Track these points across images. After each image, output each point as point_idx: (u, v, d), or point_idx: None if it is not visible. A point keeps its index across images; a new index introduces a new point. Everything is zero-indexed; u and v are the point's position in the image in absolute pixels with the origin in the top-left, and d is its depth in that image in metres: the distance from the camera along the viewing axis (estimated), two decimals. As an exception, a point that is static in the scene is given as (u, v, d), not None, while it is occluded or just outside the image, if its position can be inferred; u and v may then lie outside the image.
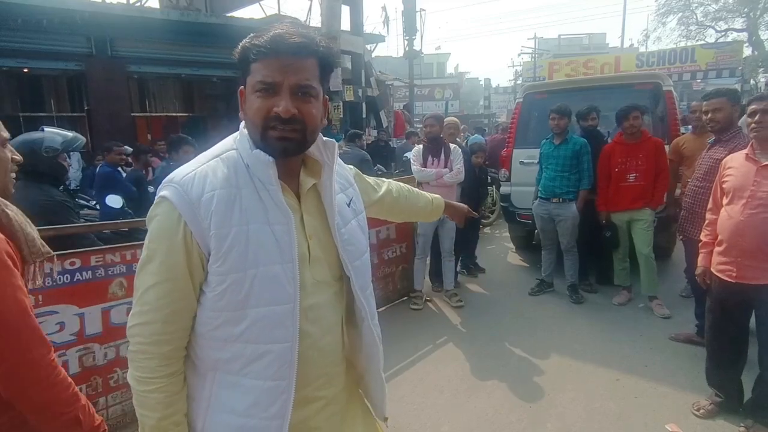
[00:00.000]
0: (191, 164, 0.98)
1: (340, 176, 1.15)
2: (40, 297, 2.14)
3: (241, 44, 0.95)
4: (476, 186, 5.06)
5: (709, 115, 3.07)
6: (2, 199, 1.13)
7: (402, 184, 1.53)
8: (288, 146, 0.94)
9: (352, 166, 1.30)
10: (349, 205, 1.13)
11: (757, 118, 2.30)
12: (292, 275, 0.95)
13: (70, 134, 2.64)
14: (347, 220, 1.09)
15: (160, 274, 0.91)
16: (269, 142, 0.93)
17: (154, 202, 0.95)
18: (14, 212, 1.13)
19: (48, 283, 2.15)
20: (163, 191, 0.94)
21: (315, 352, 1.01)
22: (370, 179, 1.41)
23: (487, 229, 7.29)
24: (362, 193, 1.24)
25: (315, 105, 0.96)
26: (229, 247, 0.90)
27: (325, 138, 1.04)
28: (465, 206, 1.77)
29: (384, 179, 1.49)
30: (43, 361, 1.00)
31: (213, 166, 0.96)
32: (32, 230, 1.16)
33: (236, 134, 1.04)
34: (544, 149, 4.43)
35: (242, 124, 1.01)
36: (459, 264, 5.04)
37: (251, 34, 0.94)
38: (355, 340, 1.13)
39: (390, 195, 1.44)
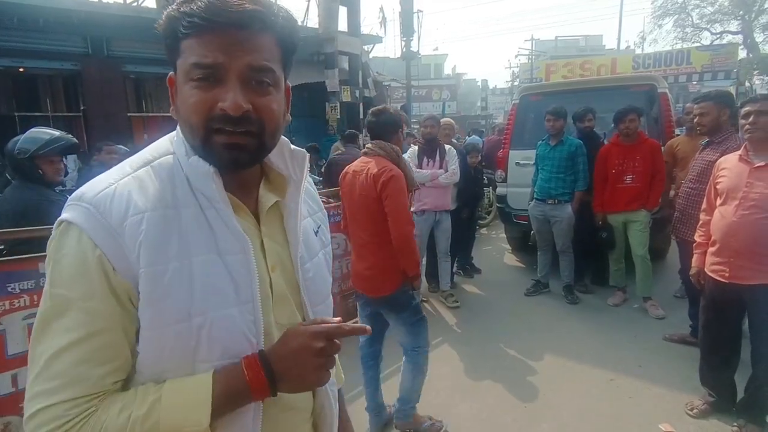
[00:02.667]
0: (110, 175, 0.72)
1: (310, 197, 0.92)
2: (35, 297, 2.14)
3: (165, 13, 0.69)
4: (472, 186, 5.08)
5: (696, 119, 3.16)
6: (398, 148, 2.51)
7: None
8: (240, 157, 0.71)
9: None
10: (317, 233, 0.90)
11: (751, 119, 2.32)
12: (253, 319, 0.73)
13: (56, 134, 2.56)
14: (314, 253, 0.87)
15: (76, 331, 0.64)
16: (214, 151, 0.70)
17: (54, 229, 0.69)
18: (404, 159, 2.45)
19: (42, 283, 2.14)
20: (67, 213, 0.68)
21: (285, 415, 0.80)
22: None
23: (483, 230, 7.31)
24: None
25: (275, 97, 0.73)
26: (166, 290, 0.67)
27: (293, 147, 0.82)
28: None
29: None
30: (410, 229, 2.37)
31: (141, 178, 0.71)
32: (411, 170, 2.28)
33: (173, 134, 0.79)
34: (540, 150, 4.45)
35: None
36: (455, 265, 5.05)
37: (179, 4, 0.68)
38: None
39: None
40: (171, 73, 0.74)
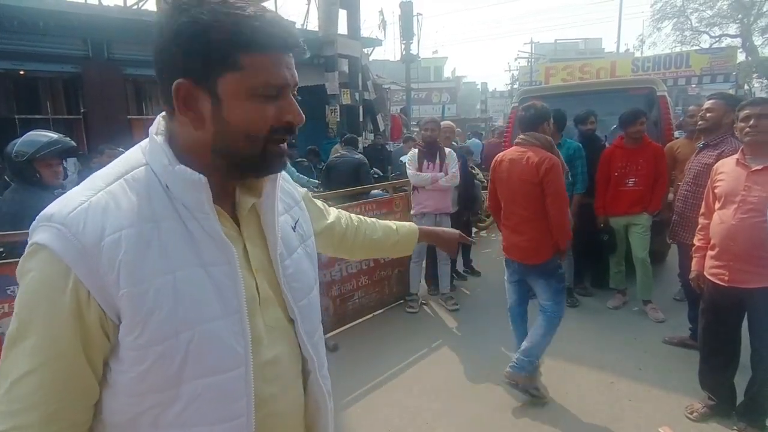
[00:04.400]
0: (80, 190, 0.69)
1: (285, 193, 0.92)
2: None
3: (214, 22, 0.66)
4: (470, 189, 5.08)
5: (702, 112, 3.21)
6: (549, 138, 2.85)
7: (354, 215, 1.29)
8: (284, 162, 0.79)
9: (304, 189, 1.08)
10: (294, 228, 0.90)
11: (752, 122, 2.30)
12: (241, 329, 0.73)
13: (54, 136, 2.55)
14: (292, 249, 0.87)
15: (38, 356, 0.64)
16: (270, 158, 0.75)
17: (26, 250, 0.67)
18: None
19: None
20: (38, 235, 0.66)
21: (275, 419, 0.79)
22: (319, 203, 1.17)
23: (483, 233, 7.31)
24: (310, 219, 1.02)
25: None
26: (150, 309, 0.66)
27: None
28: (456, 232, 1.45)
29: (333, 208, 1.25)
30: (566, 209, 2.81)
31: (115, 193, 0.69)
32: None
33: (144, 144, 0.76)
34: None
35: (154, 128, 0.76)
36: (456, 267, 5.05)
37: (225, 10, 0.67)
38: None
39: (339, 225, 1.19)
40: (180, 80, 0.68)
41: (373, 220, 1.32)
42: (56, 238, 0.64)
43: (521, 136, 2.88)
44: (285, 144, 0.76)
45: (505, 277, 3.10)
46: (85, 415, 0.70)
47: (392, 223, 1.33)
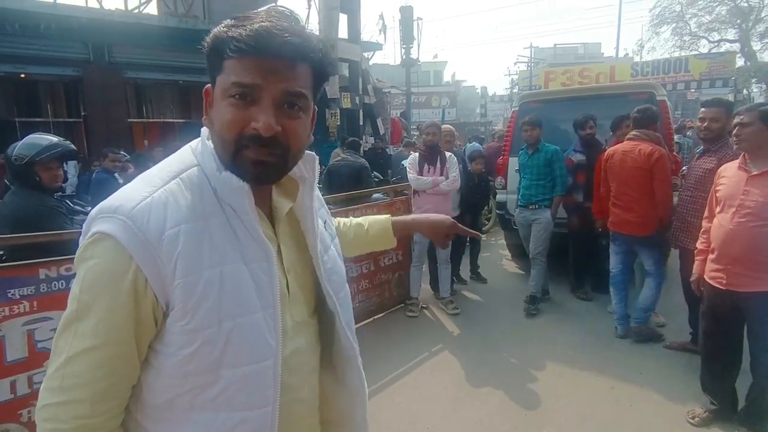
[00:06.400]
0: (140, 186, 0.75)
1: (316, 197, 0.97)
2: (35, 303, 2.13)
3: (213, 32, 0.75)
4: (475, 194, 5.07)
5: (706, 123, 3.06)
6: (658, 135, 3.53)
7: (341, 218, 1.29)
8: (262, 172, 0.76)
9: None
10: (325, 228, 0.96)
11: (735, 131, 2.38)
12: (274, 323, 0.78)
13: (54, 140, 2.54)
14: (327, 246, 0.93)
15: (97, 337, 0.69)
16: (241, 164, 0.75)
17: (87, 239, 0.72)
18: None
19: (43, 289, 2.14)
20: (101, 225, 0.70)
21: (296, 406, 0.85)
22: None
23: (483, 237, 7.31)
24: None
25: (303, 122, 0.78)
26: (200, 298, 0.71)
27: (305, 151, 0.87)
28: (448, 219, 1.29)
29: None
30: (670, 191, 3.51)
31: (173, 191, 0.74)
32: None
33: (196, 145, 0.82)
34: (521, 159, 4.53)
35: (205, 132, 0.82)
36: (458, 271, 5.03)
37: (228, 21, 0.74)
38: (333, 384, 0.95)
39: (339, 228, 1.24)
40: (208, 85, 0.79)
41: (349, 221, 1.28)
42: (121, 229, 0.69)
43: (634, 131, 3.58)
44: (260, 155, 0.74)
45: (611, 249, 3.77)
46: (127, 396, 0.76)
47: (364, 223, 1.27)
